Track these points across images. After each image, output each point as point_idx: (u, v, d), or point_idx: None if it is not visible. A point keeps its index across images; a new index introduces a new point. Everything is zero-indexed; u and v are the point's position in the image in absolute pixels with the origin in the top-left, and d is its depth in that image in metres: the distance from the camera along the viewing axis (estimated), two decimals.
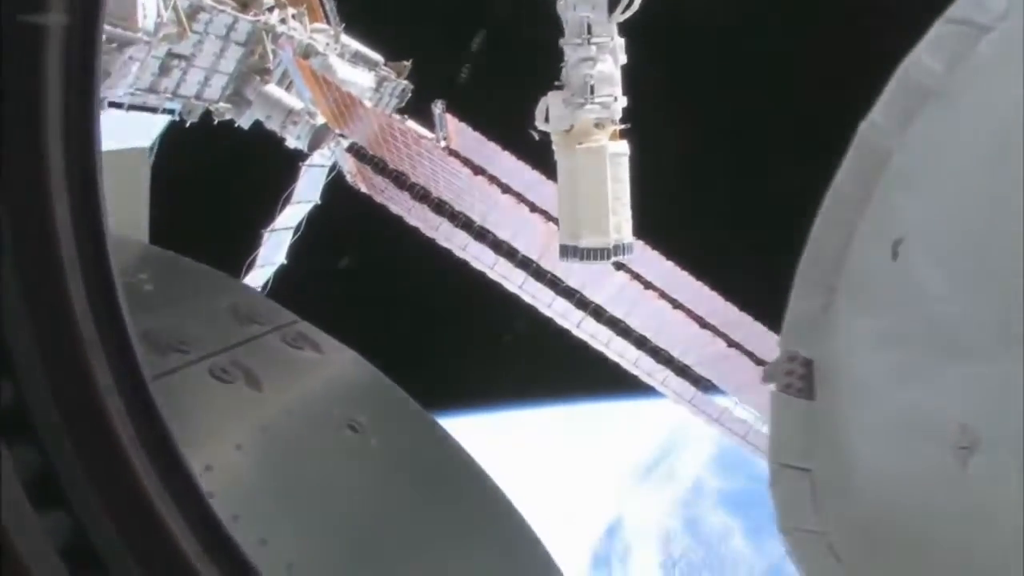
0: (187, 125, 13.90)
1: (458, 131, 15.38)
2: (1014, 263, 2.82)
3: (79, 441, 1.57)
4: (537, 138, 10.05)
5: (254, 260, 14.02)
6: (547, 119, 9.63)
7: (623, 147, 9.61)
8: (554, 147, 9.66)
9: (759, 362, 13.91)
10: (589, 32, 9.48)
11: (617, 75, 9.66)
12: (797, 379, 5.59)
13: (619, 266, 13.59)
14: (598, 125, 9.53)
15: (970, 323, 3.67)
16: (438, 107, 15.10)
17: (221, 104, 14.09)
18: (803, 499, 4.80)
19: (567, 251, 9.41)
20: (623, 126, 9.71)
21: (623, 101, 9.66)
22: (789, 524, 4.87)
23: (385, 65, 16.52)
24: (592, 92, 9.44)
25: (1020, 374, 2.87)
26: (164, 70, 13.04)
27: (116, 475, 1.58)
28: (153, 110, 13.34)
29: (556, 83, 9.67)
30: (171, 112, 13.59)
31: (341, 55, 15.02)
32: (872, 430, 4.16)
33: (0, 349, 1.55)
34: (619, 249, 9.31)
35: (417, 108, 16.16)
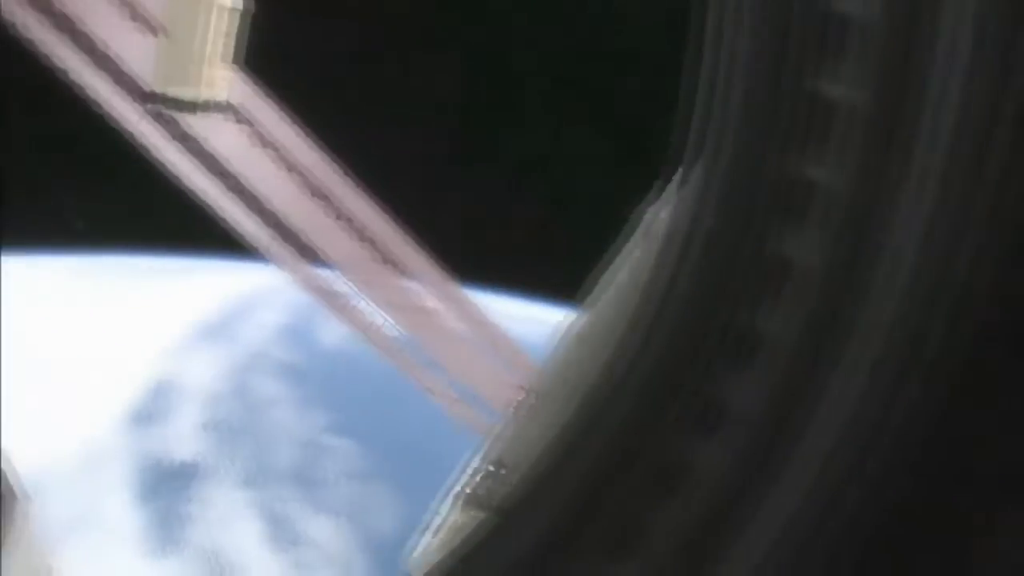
0: None
1: None
2: None
3: None
4: None
5: None
6: None
7: (237, 2, 9.48)
8: None
9: (365, 239, 14.71)
10: None
11: None
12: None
13: (240, 119, 13.45)
14: None
15: None
16: None
17: None
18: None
19: (155, 98, 9.19)
20: None
21: None
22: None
23: None
24: None
25: None
26: None
27: None
28: None
29: None
30: None
31: None
32: None
33: None
34: (209, 105, 9.29)
35: None
